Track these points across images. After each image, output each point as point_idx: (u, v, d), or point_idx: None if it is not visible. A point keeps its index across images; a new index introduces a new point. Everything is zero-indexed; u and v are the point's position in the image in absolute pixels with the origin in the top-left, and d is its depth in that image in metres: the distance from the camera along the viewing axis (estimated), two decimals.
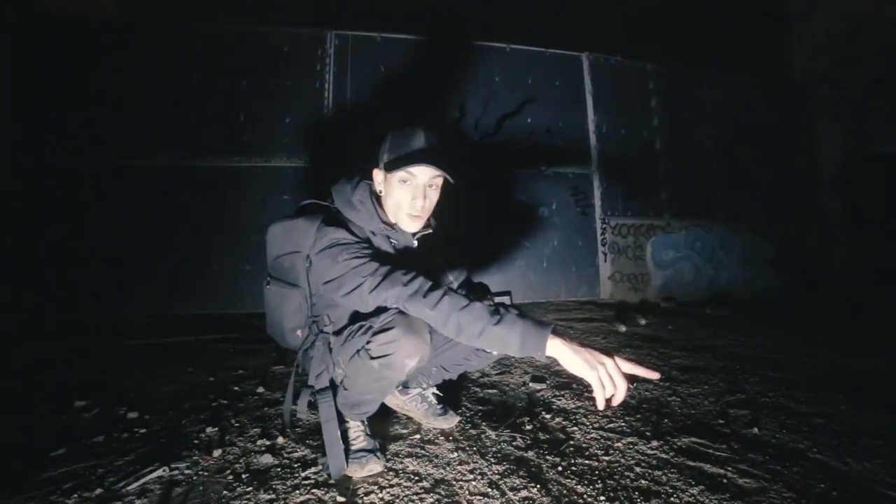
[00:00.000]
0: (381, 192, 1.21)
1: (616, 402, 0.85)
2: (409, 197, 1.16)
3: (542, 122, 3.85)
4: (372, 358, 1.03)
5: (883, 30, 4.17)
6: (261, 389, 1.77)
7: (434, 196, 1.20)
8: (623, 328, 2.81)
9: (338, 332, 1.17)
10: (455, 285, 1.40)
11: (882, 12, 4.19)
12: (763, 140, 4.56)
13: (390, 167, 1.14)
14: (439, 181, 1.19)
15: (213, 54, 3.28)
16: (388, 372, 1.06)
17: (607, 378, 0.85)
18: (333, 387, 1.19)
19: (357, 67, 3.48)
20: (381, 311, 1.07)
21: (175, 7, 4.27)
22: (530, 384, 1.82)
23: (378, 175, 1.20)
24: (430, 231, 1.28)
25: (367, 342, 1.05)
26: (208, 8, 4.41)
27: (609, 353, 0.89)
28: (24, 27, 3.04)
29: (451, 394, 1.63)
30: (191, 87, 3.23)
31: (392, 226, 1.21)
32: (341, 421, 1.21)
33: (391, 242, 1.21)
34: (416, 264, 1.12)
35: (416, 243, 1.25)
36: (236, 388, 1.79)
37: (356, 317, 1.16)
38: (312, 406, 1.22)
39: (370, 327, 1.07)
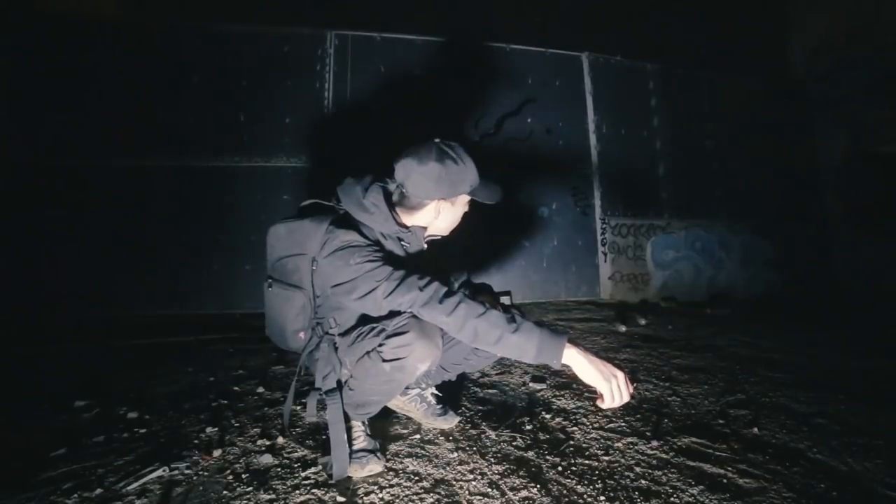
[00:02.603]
0: (438, 216, 1.21)
1: (612, 408, 0.91)
2: (462, 212, 1.25)
3: (542, 122, 3.85)
4: (384, 361, 1.04)
5: (882, 30, 4.17)
6: (261, 389, 1.77)
7: None
8: (623, 328, 2.81)
9: (345, 333, 1.17)
10: (456, 286, 1.41)
11: (881, 13, 4.18)
12: (763, 140, 4.55)
13: (480, 197, 1.20)
14: None
15: (213, 54, 3.27)
16: (399, 375, 1.06)
17: (618, 391, 0.93)
18: (341, 388, 1.19)
19: (357, 67, 3.47)
20: (393, 314, 1.07)
21: (175, 7, 4.27)
22: (530, 384, 1.82)
23: (438, 204, 1.18)
24: (438, 236, 1.30)
25: (380, 345, 1.05)
26: (208, 8, 4.41)
27: (620, 367, 0.95)
28: (24, 27, 3.04)
29: (451, 394, 1.63)
30: (191, 87, 3.22)
31: (408, 228, 1.20)
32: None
33: (402, 245, 1.21)
34: (426, 267, 1.12)
35: (426, 246, 1.26)
36: (236, 388, 1.79)
37: (365, 319, 1.16)
38: (320, 408, 1.22)
39: (382, 329, 1.07)
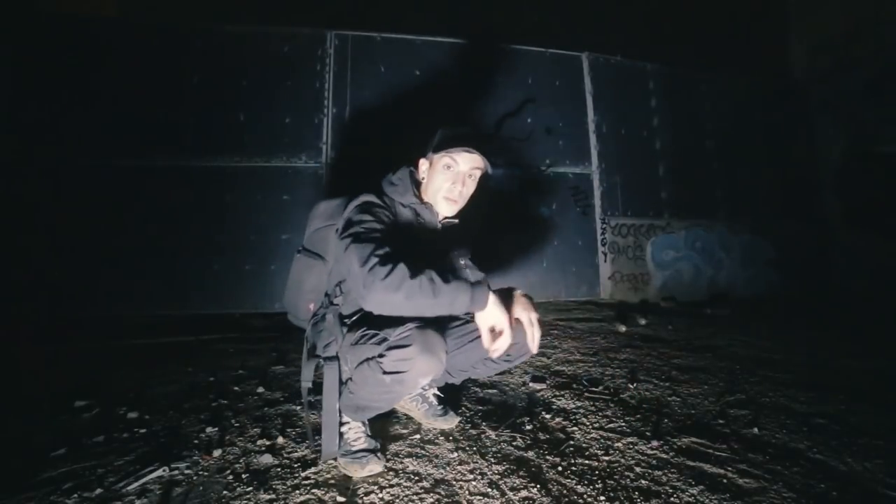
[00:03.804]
0: (423, 178, 1.32)
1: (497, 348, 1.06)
2: (448, 181, 1.25)
3: (542, 122, 3.85)
4: (385, 373, 1.04)
5: (883, 30, 4.16)
6: (261, 389, 1.77)
7: (471, 186, 1.29)
8: (623, 328, 2.81)
9: (350, 328, 1.17)
10: (467, 272, 1.41)
11: (882, 12, 4.18)
12: (763, 140, 4.55)
13: (438, 149, 1.25)
14: (478, 173, 1.28)
15: (213, 54, 3.27)
16: (398, 388, 1.06)
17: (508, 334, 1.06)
18: (339, 358, 1.20)
19: (357, 67, 3.47)
20: (396, 322, 1.07)
21: (175, 7, 4.27)
22: (530, 384, 1.81)
23: (423, 164, 1.31)
24: (456, 221, 1.34)
25: (380, 355, 1.05)
26: (208, 8, 4.41)
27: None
28: (24, 27, 3.03)
29: (452, 394, 1.63)
30: (191, 87, 3.22)
31: (423, 202, 1.29)
32: (342, 421, 1.21)
33: (418, 218, 1.28)
34: (435, 245, 1.24)
35: (439, 226, 1.31)
36: (236, 388, 1.79)
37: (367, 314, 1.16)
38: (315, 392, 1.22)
39: (385, 339, 1.07)
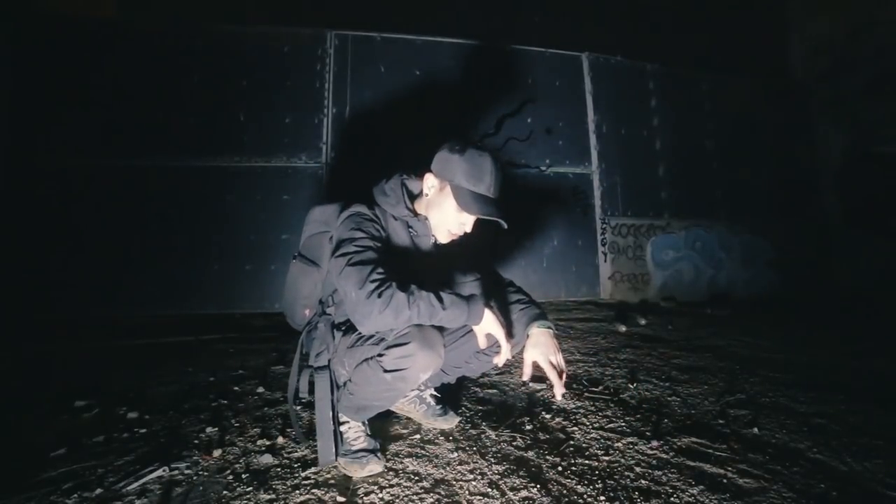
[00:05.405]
0: (426, 194, 1.22)
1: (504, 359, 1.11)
2: (458, 221, 1.20)
3: (542, 122, 3.85)
4: (385, 371, 1.05)
5: (883, 30, 4.16)
6: (261, 389, 1.77)
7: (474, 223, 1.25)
8: (623, 328, 2.80)
9: (345, 332, 1.18)
10: (466, 291, 1.38)
11: (882, 13, 4.18)
12: (763, 140, 4.55)
13: (463, 202, 1.14)
14: None
15: (213, 54, 3.27)
16: (401, 384, 1.08)
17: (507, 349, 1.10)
18: (331, 367, 1.19)
19: (357, 67, 3.47)
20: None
21: (175, 7, 4.27)
22: (530, 384, 1.81)
23: (430, 180, 1.20)
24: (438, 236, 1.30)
25: (380, 354, 1.07)
26: (208, 8, 4.40)
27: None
28: (23, 28, 3.04)
29: (451, 394, 1.63)
30: (191, 87, 3.22)
31: (416, 215, 1.24)
32: (341, 421, 1.21)
33: (409, 230, 1.25)
34: (428, 258, 1.21)
35: (433, 239, 1.28)
36: (236, 388, 1.79)
37: None
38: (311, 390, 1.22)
39: (382, 338, 1.09)
